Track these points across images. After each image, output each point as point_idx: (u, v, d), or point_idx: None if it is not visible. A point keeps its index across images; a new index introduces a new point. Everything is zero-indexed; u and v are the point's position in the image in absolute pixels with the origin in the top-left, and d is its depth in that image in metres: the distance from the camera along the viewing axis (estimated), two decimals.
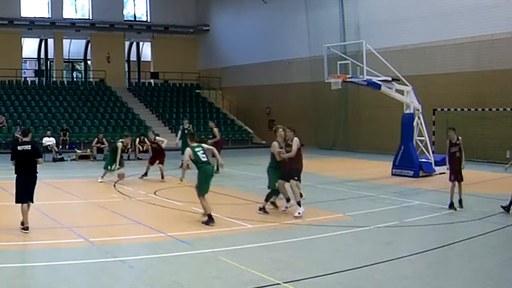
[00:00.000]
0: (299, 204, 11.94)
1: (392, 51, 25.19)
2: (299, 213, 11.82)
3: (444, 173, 19.78)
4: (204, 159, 11.47)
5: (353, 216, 11.94)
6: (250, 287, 7.30)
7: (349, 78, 18.78)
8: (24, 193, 10.33)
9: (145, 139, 26.56)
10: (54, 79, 38.70)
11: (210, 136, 20.40)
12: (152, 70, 41.66)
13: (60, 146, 27.76)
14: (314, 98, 31.33)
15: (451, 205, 12.76)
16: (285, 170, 12.19)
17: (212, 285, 7.43)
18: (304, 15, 32.43)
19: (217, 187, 16.47)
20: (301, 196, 12.22)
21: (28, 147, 10.50)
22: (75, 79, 42.09)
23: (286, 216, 12.01)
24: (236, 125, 37.13)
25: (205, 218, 11.25)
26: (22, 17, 36.54)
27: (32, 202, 10.49)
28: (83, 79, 41.99)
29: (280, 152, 12.22)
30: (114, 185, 16.66)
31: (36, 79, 37.98)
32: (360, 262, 8.43)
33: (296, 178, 12.18)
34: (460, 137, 13.08)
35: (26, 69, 41.22)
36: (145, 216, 12.21)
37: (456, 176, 12.87)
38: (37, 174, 10.58)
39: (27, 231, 10.09)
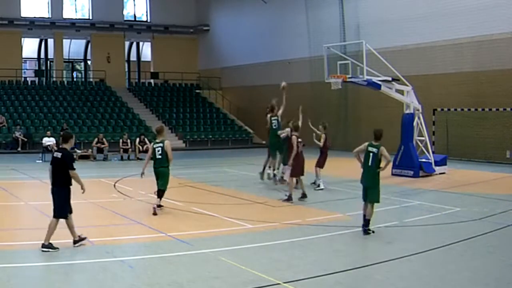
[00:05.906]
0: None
1: (392, 51, 25.15)
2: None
3: (444, 173, 19.80)
4: None
5: (353, 216, 11.92)
6: (250, 287, 7.30)
7: (349, 78, 18.78)
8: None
9: (145, 139, 26.73)
10: (54, 79, 38.67)
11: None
12: (152, 70, 41.64)
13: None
14: (314, 98, 31.31)
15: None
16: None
17: (212, 285, 7.43)
18: (304, 15, 32.40)
19: (217, 187, 16.52)
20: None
21: (59, 154, 9.36)
22: (75, 79, 42.07)
23: (286, 216, 12.02)
24: (236, 125, 37.12)
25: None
26: (22, 17, 36.50)
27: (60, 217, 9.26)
28: (83, 79, 41.97)
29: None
30: (114, 185, 16.66)
31: (36, 79, 37.93)
32: (360, 262, 8.43)
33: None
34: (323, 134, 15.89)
35: (26, 69, 41.20)
36: (145, 216, 12.20)
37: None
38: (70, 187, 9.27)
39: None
